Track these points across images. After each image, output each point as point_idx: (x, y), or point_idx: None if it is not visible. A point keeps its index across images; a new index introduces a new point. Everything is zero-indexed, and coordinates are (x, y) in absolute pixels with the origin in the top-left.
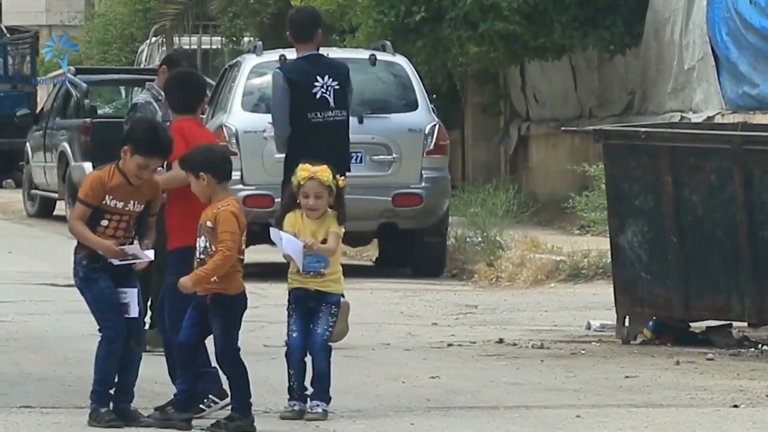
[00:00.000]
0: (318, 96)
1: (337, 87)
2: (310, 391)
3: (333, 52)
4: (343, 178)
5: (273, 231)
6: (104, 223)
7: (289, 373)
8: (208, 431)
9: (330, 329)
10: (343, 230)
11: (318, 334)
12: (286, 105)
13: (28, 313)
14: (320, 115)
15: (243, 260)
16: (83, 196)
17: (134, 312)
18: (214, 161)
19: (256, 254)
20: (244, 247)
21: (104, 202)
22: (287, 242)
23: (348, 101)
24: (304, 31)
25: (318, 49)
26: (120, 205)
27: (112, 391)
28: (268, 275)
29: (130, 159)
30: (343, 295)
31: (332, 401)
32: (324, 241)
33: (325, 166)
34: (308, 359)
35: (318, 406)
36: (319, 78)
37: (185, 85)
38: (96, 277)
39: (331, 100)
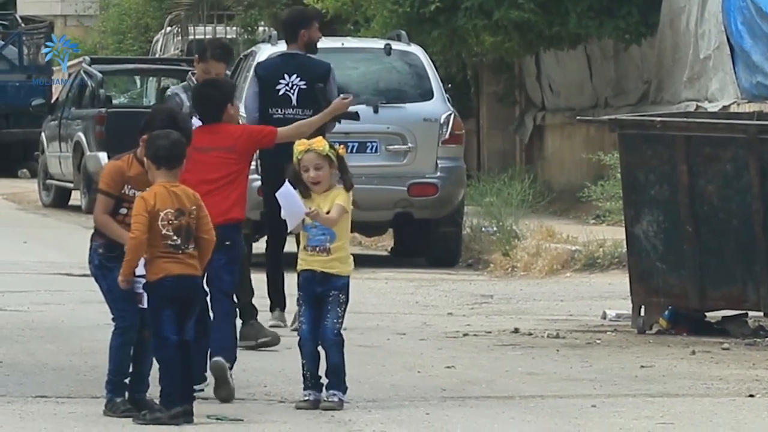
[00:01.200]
0: (281, 93)
1: (304, 87)
2: (325, 380)
3: (348, 42)
4: (342, 146)
5: (286, 188)
6: (123, 211)
7: (302, 362)
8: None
9: (339, 320)
10: (351, 199)
11: (328, 328)
12: (255, 98)
13: (44, 302)
14: (281, 111)
15: (174, 245)
16: (105, 186)
17: None
18: (152, 146)
19: None
20: (166, 231)
21: (123, 191)
22: (292, 202)
23: (320, 101)
24: (289, 31)
25: (310, 48)
26: (138, 194)
27: (126, 381)
28: (284, 264)
29: None
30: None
31: (348, 391)
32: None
33: (321, 137)
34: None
35: (334, 395)
36: (286, 76)
37: (202, 97)
38: (111, 266)
39: (293, 98)
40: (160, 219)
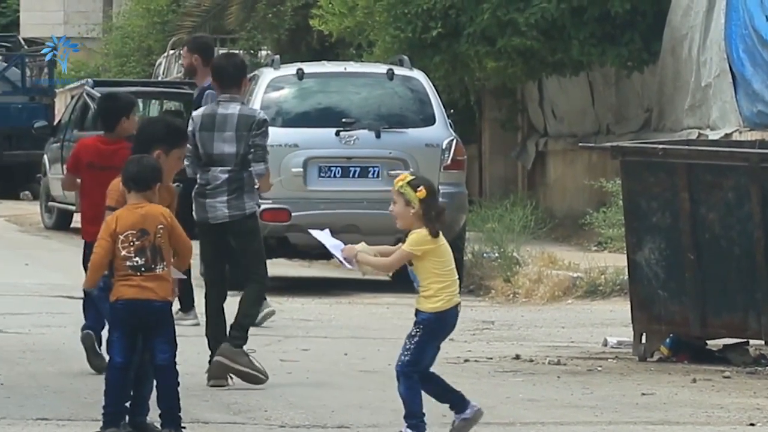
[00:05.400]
0: None
1: None
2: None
3: (351, 66)
4: (421, 189)
5: (317, 233)
6: None
7: None
8: None
9: (406, 352)
10: (438, 245)
11: (398, 358)
12: None
13: (45, 325)
14: None
15: (133, 266)
16: (114, 203)
17: None
18: (124, 170)
19: (274, 268)
20: (126, 252)
21: None
22: (327, 237)
23: None
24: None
25: (190, 73)
26: None
27: (127, 405)
28: (286, 289)
29: (168, 157)
30: None
31: (347, 416)
32: None
33: (407, 173)
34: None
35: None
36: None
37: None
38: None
39: None
40: (120, 241)
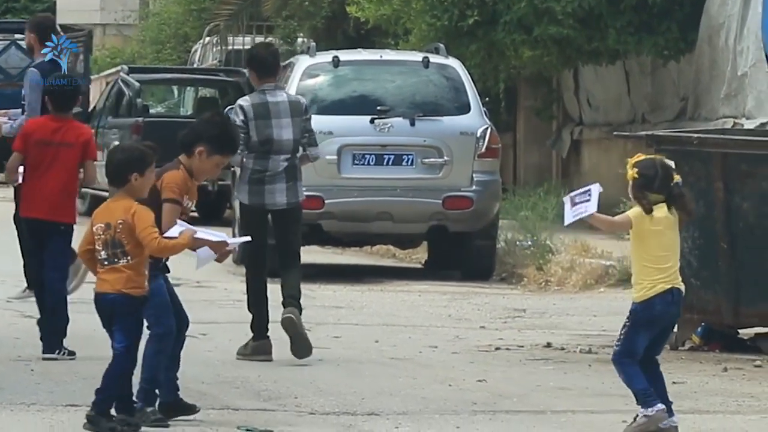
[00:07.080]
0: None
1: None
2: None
3: (386, 54)
4: (635, 168)
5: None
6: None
7: None
8: None
9: (617, 344)
10: (638, 218)
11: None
12: (39, 98)
13: (77, 311)
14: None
15: (100, 259)
16: (178, 196)
17: None
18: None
19: (306, 255)
20: (97, 245)
21: (185, 203)
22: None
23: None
24: (49, 32)
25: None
26: (189, 204)
27: (157, 392)
28: (318, 276)
29: (207, 159)
30: None
31: (377, 404)
32: None
33: (641, 154)
34: None
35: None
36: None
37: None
38: (154, 273)
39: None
40: (93, 234)
